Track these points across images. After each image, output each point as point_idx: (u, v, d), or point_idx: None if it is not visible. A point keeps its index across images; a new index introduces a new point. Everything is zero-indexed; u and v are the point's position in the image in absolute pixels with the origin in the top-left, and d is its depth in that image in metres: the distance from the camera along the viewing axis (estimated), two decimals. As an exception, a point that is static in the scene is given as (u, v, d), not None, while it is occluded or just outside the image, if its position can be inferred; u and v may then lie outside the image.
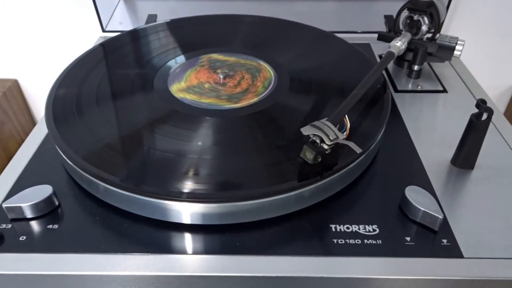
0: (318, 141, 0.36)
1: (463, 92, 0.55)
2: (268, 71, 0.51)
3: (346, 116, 0.40)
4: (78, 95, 0.47)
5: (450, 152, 0.44)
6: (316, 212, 0.38)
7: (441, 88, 0.55)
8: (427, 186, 0.40)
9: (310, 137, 0.37)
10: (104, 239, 0.36)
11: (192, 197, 0.35)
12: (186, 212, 0.36)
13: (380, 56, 0.62)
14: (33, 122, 0.92)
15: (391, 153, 0.44)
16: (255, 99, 0.46)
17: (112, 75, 0.51)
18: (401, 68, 0.59)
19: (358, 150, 0.34)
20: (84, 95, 0.47)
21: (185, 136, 0.41)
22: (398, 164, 0.43)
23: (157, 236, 0.36)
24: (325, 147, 0.36)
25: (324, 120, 0.38)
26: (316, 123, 0.37)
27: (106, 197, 0.38)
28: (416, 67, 0.56)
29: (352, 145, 0.35)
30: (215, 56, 0.54)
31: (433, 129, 0.48)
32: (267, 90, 0.48)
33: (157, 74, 0.50)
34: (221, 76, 0.50)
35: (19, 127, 0.85)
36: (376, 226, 0.37)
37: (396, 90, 0.55)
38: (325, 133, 0.36)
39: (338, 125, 0.38)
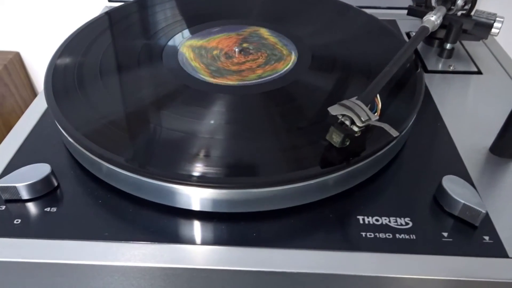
0: (347, 122, 0.32)
1: (499, 74, 0.50)
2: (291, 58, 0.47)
3: (378, 96, 0.35)
4: (80, 67, 0.43)
5: (487, 139, 0.39)
6: (342, 202, 0.34)
7: (475, 69, 0.50)
8: (464, 175, 0.36)
9: (339, 118, 0.33)
10: (106, 225, 0.32)
11: (203, 181, 0.32)
12: (196, 197, 0.33)
13: (408, 34, 0.57)
14: (35, 96, 0.88)
15: (423, 138, 0.40)
16: (269, 74, 0.42)
17: (118, 47, 0.47)
18: (431, 46, 0.54)
19: (394, 133, 0.30)
20: (86, 67, 0.43)
21: (196, 114, 0.38)
22: (431, 150, 0.39)
23: (165, 223, 0.33)
24: (355, 129, 0.32)
25: (354, 99, 0.33)
26: (345, 102, 0.33)
27: (109, 179, 0.35)
28: (448, 46, 0.51)
29: (387, 127, 0.31)
30: (262, 31, 0.49)
31: (468, 114, 0.44)
32: (287, 66, 0.43)
33: (167, 46, 0.46)
34: (237, 50, 0.45)
35: (20, 101, 0.82)
36: (408, 219, 0.33)
37: (426, 71, 0.50)
38: (356, 113, 0.32)
39: (369, 105, 0.34)
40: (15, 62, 0.80)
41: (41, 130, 0.41)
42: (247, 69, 0.43)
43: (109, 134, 0.35)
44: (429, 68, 0.50)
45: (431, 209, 0.34)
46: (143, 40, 0.48)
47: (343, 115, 0.32)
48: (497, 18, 0.49)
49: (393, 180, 0.37)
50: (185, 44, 0.47)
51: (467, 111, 0.44)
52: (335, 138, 0.32)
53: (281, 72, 0.42)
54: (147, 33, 0.50)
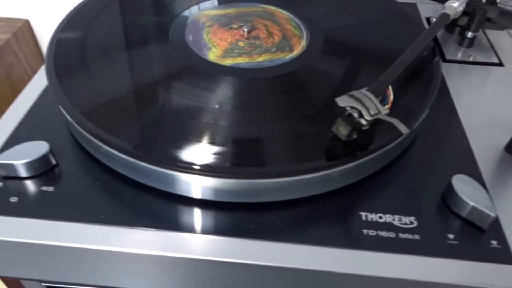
0: (355, 114, 0.31)
1: (522, 67, 0.47)
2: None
3: (390, 87, 0.34)
4: (84, 42, 0.41)
5: (504, 137, 0.38)
6: (345, 196, 0.33)
7: (496, 61, 0.48)
8: (476, 175, 0.35)
9: (347, 110, 0.31)
10: (103, 208, 0.32)
11: (203, 170, 0.31)
12: (196, 185, 0.32)
13: (428, 19, 0.55)
14: (45, 67, 0.87)
15: (435, 132, 0.39)
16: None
17: (124, 21, 0.45)
18: (451, 34, 0.52)
19: (404, 130, 0.29)
20: (90, 43, 0.41)
21: (200, 97, 0.36)
22: (443, 146, 0.37)
23: (162, 209, 0.32)
24: (363, 122, 0.31)
25: (364, 90, 0.32)
26: (354, 93, 0.31)
27: (108, 161, 0.34)
28: (470, 34, 0.48)
29: (397, 123, 0.29)
30: (209, 12, 0.47)
31: (485, 108, 0.42)
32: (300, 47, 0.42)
33: (174, 22, 0.45)
34: (246, 30, 0.43)
35: (29, 70, 0.81)
36: (414, 218, 0.32)
37: (444, 60, 0.48)
38: (365, 106, 0.30)
39: (380, 97, 0.32)
40: (25, 30, 0.79)
41: (42, 106, 0.40)
42: (258, 48, 0.41)
43: (109, 114, 0.35)
44: (448, 57, 0.48)
45: (438, 209, 0.32)
46: (150, 16, 0.46)
47: (352, 107, 0.30)
48: (525, 7, 0.46)
49: (400, 175, 0.35)
50: (200, 14, 0.45)
51: (484, 106, 0.42)
52: (342, 130, 0.31)
53: (292, 55, 0.41)
54: (155, 7, 0.48)
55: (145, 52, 0.41)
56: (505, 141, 0.37)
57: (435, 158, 0.36)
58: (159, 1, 0.49)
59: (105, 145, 0.33)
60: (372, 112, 0.30)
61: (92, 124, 0.33)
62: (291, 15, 0.46)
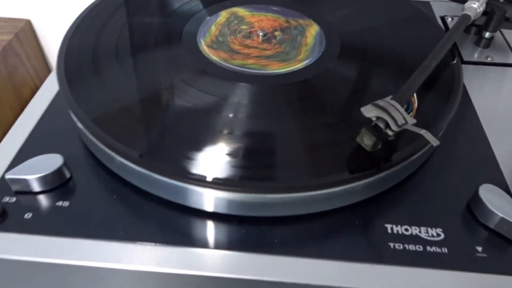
0: (382, 125, 0.29)
1: (542, 68, 0.46)
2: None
3: (415, 95, 0.33)
4: (95, 49, 0.40)
5: (527, 142, 0.37)
6: (368, 207, 0.32)
7: (515, 62, 0.47)
8: (500, 183, 0.34)
9: (373, 120, 0.30)
10: (121, 224, 0.31)
11: (219, 183, 0.30)
12: (213, 199, 0.31)
13: (443, 18, 0.53)
14: (47, 67, 0.86)
15: (456, 139, 0.38)
16: (298, 65, 0.39)
17: (135, 24, 0.44)
18: (467, 33, 0.50)
19: (435, 142, 0.28)
20: (101, 49, 0.40)
21: (213, 105, 0.35)
22: (465, 153, 0.37)
23: (181, 224, 0.31)
24: (390, 133, 0.30)
25: (389, 99, 0.31)
26: (379, 102, 0.30)
27: (122, 172, 0.33)
28: (487, 34, 0.47)
29: (427, 135, 0.28)
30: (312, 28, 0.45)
31: (506, 112, 0.41)
32: (313, 55, 0.40)
33: (186, 25, 0.43)
34: (260, 34, 0.42)
35: (32, 72, 0.80)
36: (440, 229, 0.31)
37: (462, 61, 0.47)
38: (392, 116, 0.29)
39: (404, 106, 0.31)
40: (26, 30, 0.78)
41: (51, 116, 0.39)
42: (250, 54, 0.40)
43: (122, 123, 0.33)
44: (465, 58, 0.47)
45: (464, 220, 0.32)
46: (161, 18, 0.45)
47: (378, 118, 0.29)
48: (544, 6, 0.45)
49: (422, 185, 0.34)
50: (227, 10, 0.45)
51: (505, 109, 0.41)
52: (366, 141, 0.30)
53: (306, 61, 0.39)
54: (166, 9, 0.46)
55: (158, 58, 0.40)
56: (529, 146, 0.36)
57: (458, 166, 0.35)
58: (171, 4, 0.47)
59: (120, 156, 0.32)
60: (399, 123, 0.29)
61: (107, 135, 0.32)
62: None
